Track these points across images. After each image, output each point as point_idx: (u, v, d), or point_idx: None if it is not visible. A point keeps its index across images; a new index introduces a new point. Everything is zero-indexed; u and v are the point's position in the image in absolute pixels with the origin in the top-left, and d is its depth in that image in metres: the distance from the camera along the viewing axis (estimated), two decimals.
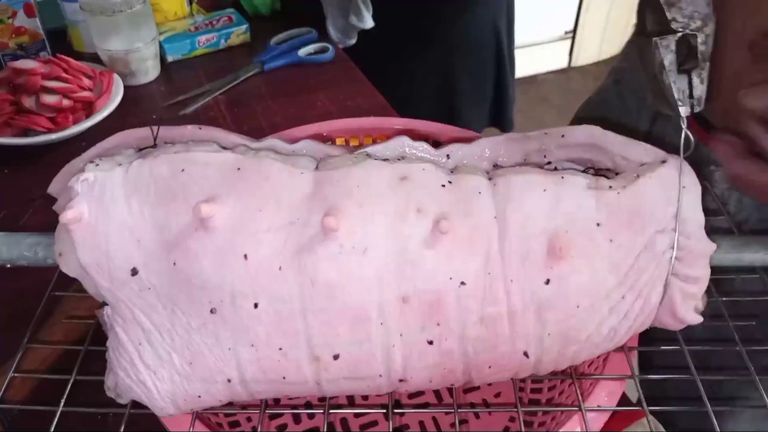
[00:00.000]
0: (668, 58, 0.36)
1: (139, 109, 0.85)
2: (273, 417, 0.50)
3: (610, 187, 0.35)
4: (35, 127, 0.76)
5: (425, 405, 0.50)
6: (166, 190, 0.34)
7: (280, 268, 0.33)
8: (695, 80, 0.36)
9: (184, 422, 0.37)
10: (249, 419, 0.48)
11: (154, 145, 0.39)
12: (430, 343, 0.34)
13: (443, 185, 0.35)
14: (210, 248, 0.33)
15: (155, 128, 0.39)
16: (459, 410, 0.38)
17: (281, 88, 0.90)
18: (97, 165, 0.36)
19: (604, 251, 0.34)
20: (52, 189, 0.38)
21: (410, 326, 0.34)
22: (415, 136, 0.40)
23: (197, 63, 0.95)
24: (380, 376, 0.35)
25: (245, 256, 0.33)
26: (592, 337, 0.35)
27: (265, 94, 0.89)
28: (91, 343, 0.40)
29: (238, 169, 0.35)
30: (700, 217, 0.35)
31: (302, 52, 0.94)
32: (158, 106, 0.86)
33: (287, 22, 1.00)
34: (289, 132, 0.52)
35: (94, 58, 0.88)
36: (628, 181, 0.36)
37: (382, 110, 0.85)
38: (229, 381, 0.35)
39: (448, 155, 0.39)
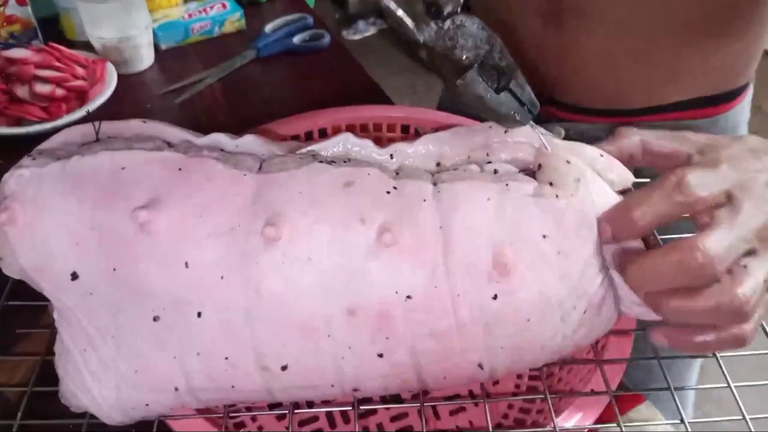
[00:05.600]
0: (480, 90, 0.35)
1: (134, 97, 0.84)
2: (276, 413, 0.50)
3: (557, 196, 0.34)
4: (28, 117, 0.75)
5: (425, 393, 0.50)
6: (105, 190, 0.33)
7: (222, 277, 0.32)
8: (517, 90, 0.36)
9: (190, 424, 0.37)
10: (254, 419, 0.48)
11: (97, 140, 0.37)
12: (380, 356, 0.33)
13: (388, 192, 0.34)
14: (150, 254, 0.32)
15: (97, 123, 0.37)
16: (425, 404, 0.38)
17: (277, 75, 0.89)
18: (34, 159, 0.34)
19: (552, 262, 0.33)
20: None
21: (359, 339, 0.33)
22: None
23: (191, 51, 0.94)
24: (332, 386, 0.35)
25: (186, 263, 0.32)
26: (548, 346, 0.35)
27: (260, 81, 0.88)
28: (47, 354, 0.38)
29: (180, 169, 0.34)
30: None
31: (297, 39, 0.93)
32: (153, 95, 0.85)
33: (282, 9, 0.99)
34: (287, 120, 0.52)
35: (87, 46, 0.87)
36: (572, 188, 0.35)
37: (379, 98, 0.84)
38: (176, 389, 0.34)
39: (392, 155, 0.38)
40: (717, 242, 0.31)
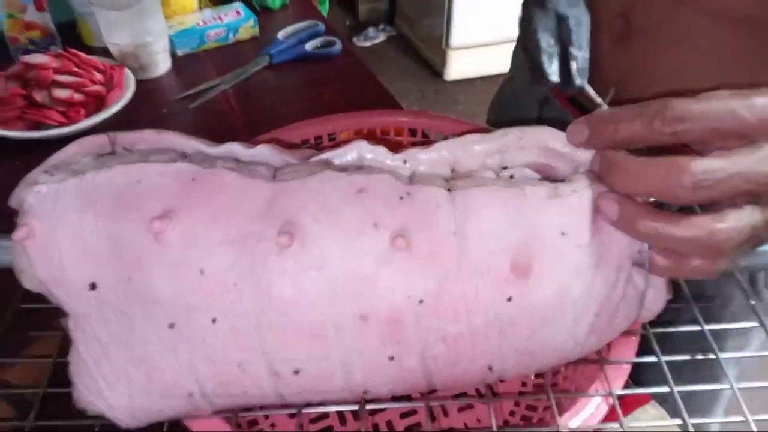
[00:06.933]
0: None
1: (150, 102, 0.86)
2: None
3: (573, 191, 0.34)
4: (47, 121, 0.77)
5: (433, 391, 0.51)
6: (120, 203, 0.34)
7: (235, 284, 0.32)
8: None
9: (207, 423, 0.37)
10: (267, 417, 0.49)
11: (113, 152, 0.38)
12: (391, 359, 0.34)
13: (401, 197, 0.34)
14: (165, 263, 0.33)
15: (113, 134, 0.38)
16: (432, 403, 0.39)
17: (289, 81, 0.91)
18: (51, 175, 0.35)
19: (570, 256, 0.33)
20: (13, 203, 0.37)
21: (369, 344, 0.33)
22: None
23: (206, 57, 0.96)
24: (342, 390, 0.35)
25: (201, 270, 0.32)
26: (558, 350, 0.35)
27: (273, 87, 0.89)
28: (60, 355, 0.39)
29: (193, 179, 0.35)
30: None
31: (309, 46, 0.94)
32: (169, 100, 0.87)
33: (294, 17, 1.00)
34: (297, 126, 0.53)
35: (105, 52, 0.89)
36: (586, 180, 0.34)
37: (389, 103, 0.85)
38: (190, 395, 0.35)
39: (405, 160, 0.38)
40: (707, 165, 0.29)
